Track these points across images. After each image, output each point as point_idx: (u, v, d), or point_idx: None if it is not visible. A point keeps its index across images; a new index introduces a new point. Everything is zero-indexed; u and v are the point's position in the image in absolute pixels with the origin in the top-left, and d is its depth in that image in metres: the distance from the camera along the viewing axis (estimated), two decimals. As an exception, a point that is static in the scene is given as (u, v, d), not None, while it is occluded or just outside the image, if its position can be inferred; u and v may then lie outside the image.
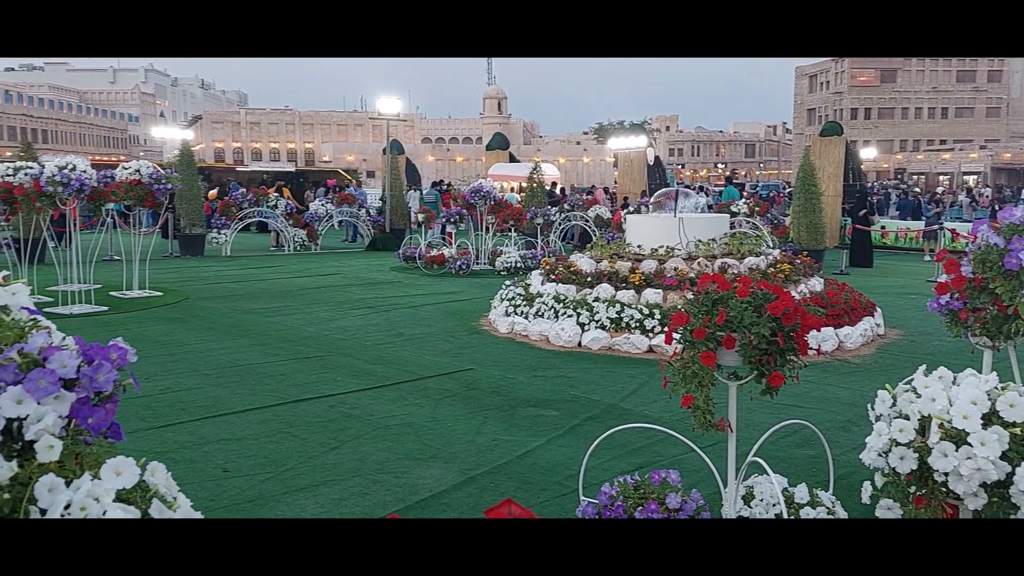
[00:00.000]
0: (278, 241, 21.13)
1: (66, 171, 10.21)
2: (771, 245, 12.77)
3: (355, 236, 23.17)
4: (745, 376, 3.28)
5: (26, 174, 10.22)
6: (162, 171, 12.30)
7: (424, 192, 27.54)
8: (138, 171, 11.79)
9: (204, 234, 19.41)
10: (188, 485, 4.66)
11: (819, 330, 8.07)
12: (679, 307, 3.40)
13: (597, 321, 8.65)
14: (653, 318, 8.44)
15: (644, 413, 6.20)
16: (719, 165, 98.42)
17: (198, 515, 1.62)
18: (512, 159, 33.32)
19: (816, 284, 9.94)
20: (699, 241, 9.64)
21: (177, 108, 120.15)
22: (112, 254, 16.77)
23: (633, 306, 8.71)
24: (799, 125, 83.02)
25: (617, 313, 8.62)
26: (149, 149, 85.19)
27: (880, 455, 2.51)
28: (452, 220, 16.76)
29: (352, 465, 5.07)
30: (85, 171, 10.53)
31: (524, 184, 22.39)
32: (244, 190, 23.50)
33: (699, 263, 9.20)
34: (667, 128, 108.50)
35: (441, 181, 33.73)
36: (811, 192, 16.83)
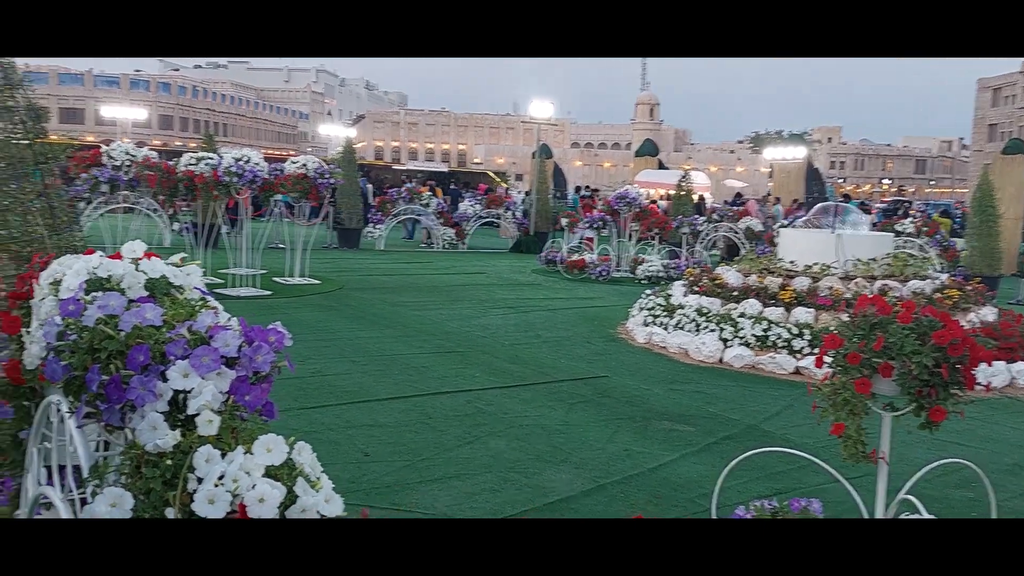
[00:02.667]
0: (428, 238, 21.80)
1: (241, 163, 10.97)
2: (939, 269, 11.92)
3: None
4: (902, 408, 3.08)
5: (207, 164, 11.06)
6: (326, 166, 12.98)
7: (569, 197, 27.64)
8: (304, 165, 12.49)
9: (361, 228, 20.31)
10: (331, 466, 4.86)
11: (990, 364, 7.45)
12: (832, 329, 3.23)
13: (741, 337, 8.36)
14: (802, 338, 8.08)
15: (786, 437, 5.94)
16: (884, 181, 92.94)
17: (338, 498, 1.68)
18: (661, 166, 32.81)
19: (988, 314, 9.18)
20: (858, 260, 9.13)
21: (343, 107, 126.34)
22: (278, 242, 17.88)
23: (781, 324, 8.36)
24: (978, 141, 76.94)
25: (763, 331, 8.31)
26: (316, 145, 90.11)
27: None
28: (594, 225, 16.69)
29: (485, 461, 5.15)
30: (258, 163, 11.27)
31: (671, 192, 21.99)
32: (399, 188, 24.37)
33: (857, 283, 8.72)
34: (829, 140, 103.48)
35: (586, 187, 33.69)
36: (988, 214, 15.57)
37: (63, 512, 1.69)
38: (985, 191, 15.85)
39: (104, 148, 12.70)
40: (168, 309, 1.76)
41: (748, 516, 3.62)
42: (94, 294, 1.70)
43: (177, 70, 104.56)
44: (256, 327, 1.78)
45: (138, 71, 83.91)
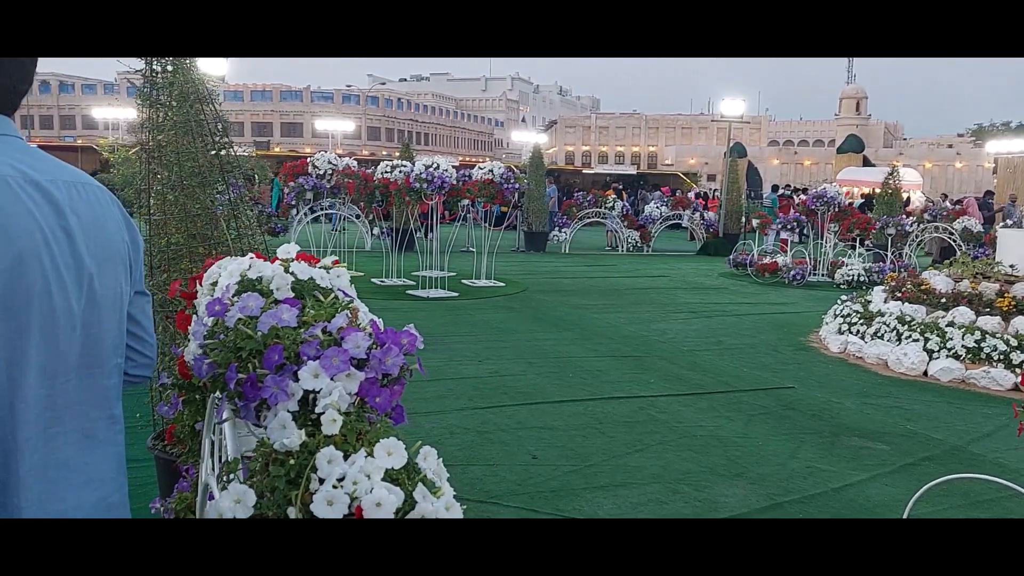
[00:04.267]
0: (613, 241, 21.71)
1: (431, 169, 11.45)
2: None
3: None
4: None
5: (400, 171, 11.65)
6: (513, 171, 13.27)
7: (764, 196, 26.46)
8: (491, 171, 12.83)
9: (547, 231, 20.58)
10: (500, 466, 4.97)
11: None
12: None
13: (950, 349, 7.60)
14: (1023, 351, 7.20)
15: (998, 461, 5.31)
16: None
17: (458, 505, 1.67)
18: (866, 163, 30.67)
19: None
20: (1094, 265, 8.02)
21: (537, 113, 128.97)
22: (468, 246, 18.52)
23: (998, 335, 7.51)
24: None
25: (976, 342, 7.50)
26: (511, 152, 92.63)
27: None
28: (789, 227, 15.85)
29: (654, 471, 5.01)
30: (447, 170, 11.72)
31: (877, 190, 20.47)
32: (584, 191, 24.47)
33: (1093, 291, 7.66)
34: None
35: (785, 186, 32.12)
36: None
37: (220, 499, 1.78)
38: None
39: (310, 159, 13.72)
40: (309, 310, 1.83)
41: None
42: (243, 296, 1.79)
43: (384, 83, 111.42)
44: (389, 329, 1.81)
45: (349, 86, 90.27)
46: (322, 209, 14.30)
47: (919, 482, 4.42)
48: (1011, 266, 8.49)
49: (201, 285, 2.03)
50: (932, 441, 5.75)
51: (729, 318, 10.81)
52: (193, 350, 1.81)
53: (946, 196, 29.66)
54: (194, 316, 1.91)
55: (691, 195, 26.61)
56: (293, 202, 13.20)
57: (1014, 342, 7.33)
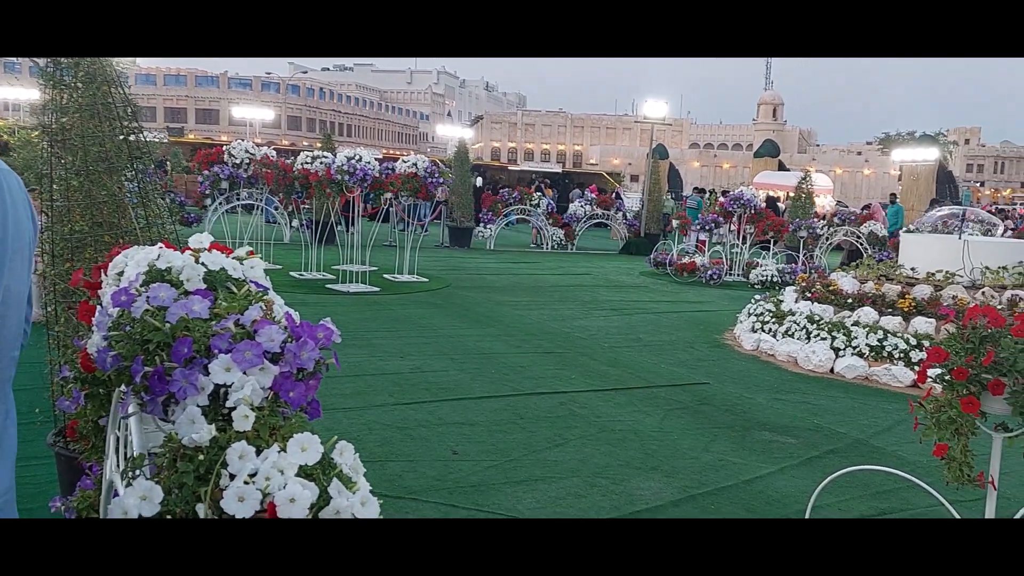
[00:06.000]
0: (538, 239, 21.85)
1: (353, 161, 11.29)
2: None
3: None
4: (1016, 429, 2.81)
5: (321, 163, 11.45)
6: (437, 166, 13.19)
7: (688, 197, 27.06)
8: (415, 165, 12.73)
9: (472, 227, 20.57)
10: (419, 462, 4.95)
11: None
12: (938, 341, 2.99)
13: (854, 347, 7.93)
14: (921, 350, 7.58)
15: (897, 454, 5.57)
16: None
17: (374, 500, 1.65)
18: (782, 167, 31.70)
19: None
20: (987, 268, 8.49)
21: (463, 108, 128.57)
22: (390, 240, 18.34)
23: (899, 334, 7.88)
24: None
25: (879, 340, 7.85)
26: (435, 145, 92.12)
27: None
28: (707, 228, 16.27)
29: (573, 465, 5.07)
30: (369, 162, 11.57)
31: (791, 194, 21.18)
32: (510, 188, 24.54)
33: (984, 293, 8.11)
34: (966, 141, 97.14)
35: (701, 189, 32.91)
36: None
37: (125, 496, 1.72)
38: None
39: (225, 147, 13.34)
40: (220, 302, 1.78)
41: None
42: (152, 285, 1.73)
43: (306, 72, 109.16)
44: (305, 323, 1.78)
45: (268, 73, 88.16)
46: (239, 200, 13.93)
47: (824, 474, 4.60)
48: (912, 268, 8.92)
49: (106, 274, 1.95)
50: (837, 435, 5.99)
51: (649, 316, 11.03)
52: (97, 342, 1.74)
53: (844, 205, 30.87)
54: (98, 307, 1.83)
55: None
56: (207, 191, 12.81)
57: (913, 341, 7.70)
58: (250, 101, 67.85)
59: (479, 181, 25.42)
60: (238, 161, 12.90)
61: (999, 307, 6.73)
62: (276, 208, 15.88)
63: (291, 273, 12.76)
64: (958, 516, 3.17)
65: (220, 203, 13.23)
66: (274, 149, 14.56)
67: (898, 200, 23.13)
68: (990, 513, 2.96)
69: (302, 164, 11.74)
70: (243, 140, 14.69)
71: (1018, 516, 3.09)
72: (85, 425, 2.31)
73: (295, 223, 16.31)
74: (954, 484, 2.88)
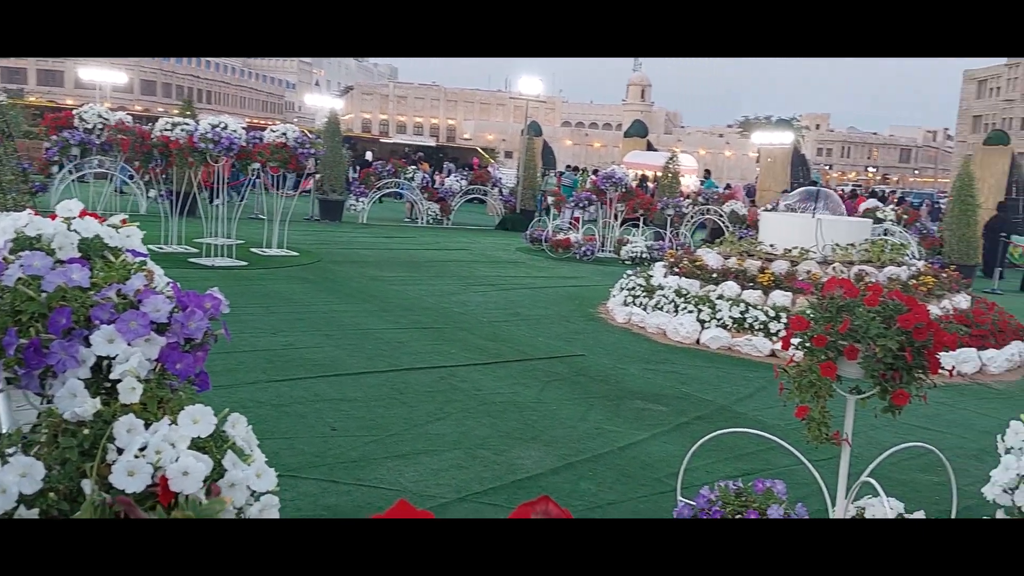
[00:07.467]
0: (412, 213, 21.66)
1: (218, 129, 10.79)
2: (917, 256, 11.96)
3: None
4: (867, 391, 3.06)
5: (182, 130, 10.88)
6: (307, 136, 12.80)
7: (562, 175, 27.51)
8: (284, 135, 12.31)
9: (343, 200, 20.13)
10: (297, 439, 4.85)
11: (954, 349, 7.48)
12: (800, 311, 3.20)
13: (718, 319, 8.36)
14: (779, 321, 8.08)
15: (758, 419, 5.94)
16: (870, 169, 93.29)
17: (271, 472, 1.61)
18: (650, 147, 32.74)
19: (962, 301, 9.22)
20: (837, 245, 9.13)
21: (332, 78, 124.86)
22: (257, 212, 17.69)
23: (759, 307, 8.36)
24: (962, 132, 77.21)
25: (741, 313, 8.30)
26: (303, 116, 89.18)
27: (1006, 491, 2.26)
28: (581, 205, 16.64)
29: (454, 437, 5.11)
30: (235, 131, 11.10)
31: (659, 174, 21.95)
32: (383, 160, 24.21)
33: (835, 268, 8.72)
34: (817, 127, 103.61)
35: (575, 167, 33.58)
36: (968, 204, 15.64)
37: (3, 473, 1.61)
38: (965, 181, 15.90)
39: (76, 111, 12.44)
40: (99, 271, 1.68)
41: (712, 496, 3.60)
42: (21, 254, 1.62)
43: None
44: (191, 292, 1.71)
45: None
46: (90, 168, 13.06)
47: (692, 439, 4.84)
48: (771, 245, 9.46)
49: (-35, 242, 1.80)
50: (703, 402, 6.32)
51: (526, 291, 11.19)
52: (-42, 313, 1.61)
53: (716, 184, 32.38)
54: (-42, 276, 1.69)
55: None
56: (55, 158, 11.91)
57: (772, 313, 8.20)
58: (100, 62, 63.35)
59: (369, 155, 24.93)
60: (90, 126, 12.07)
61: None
62: (131, 177, 14.98)
63: (150, 246, 12.07)
64: (816, 472, 3.42)
65: (69, 171, 12.34)
66: (128, 114, 13.72)
67: (711, 177, 26.56)
68: (844, 468, 3.21)
69: (161, 131, 11.11)
70: (94, 104, 13.73)
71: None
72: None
73: (152, 193, 15.46)
74: (813, 443, 3.11)
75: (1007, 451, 2.33)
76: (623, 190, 16.37)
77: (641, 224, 16.86)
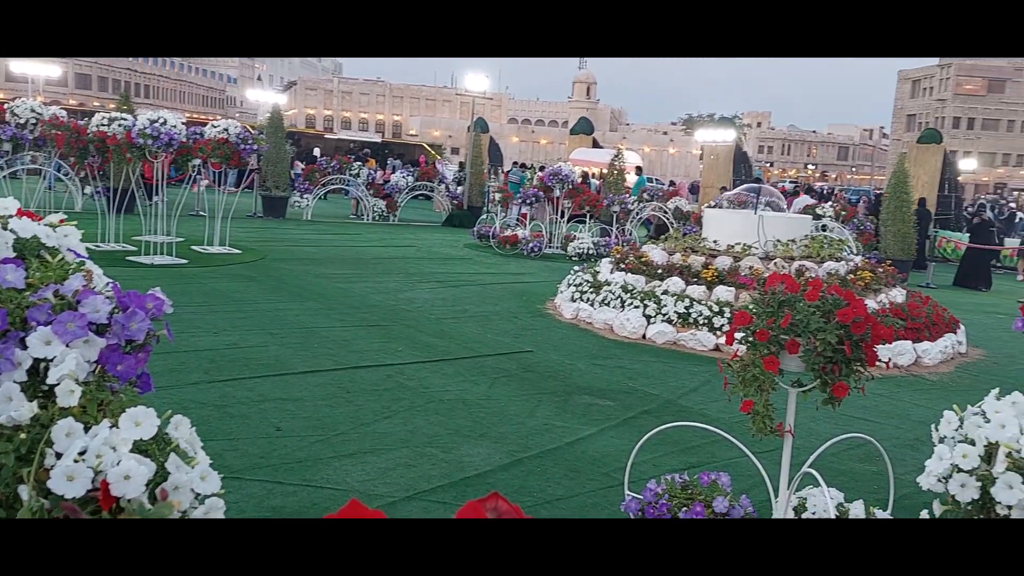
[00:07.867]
0: (357, 210, 21.45)
1: (157, 124, 10.53)
2: (854, 251, 12.30)
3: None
4: (808, 384, 3.14)
5: (120, 125, 10.58)
6: (250, 132, 12.57)
7: (509, 172, 27.52)
8: (226, 130, 12.07)
9: (287, 197, 19.84)
10: (241, 440, 4.77)
11: (891, 342, 7.72)
12: (743, 306, 3.27)
13: (664, 314, 8.48)
14: (723, 316, 8.23)
15: (703, 412, 6.04)
16: (810, 166, 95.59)
17: (215, 475, 1.59)
18: (596, 145, 32.99)
19: (898, 295, 9.53)
20: (778, 241, 9.33)
21: (274, 73, 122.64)
22: (198, 210, 17.32)
23: (703, 302, 8.50)
24: (897, 130, 79.65)
25: (686, 308, 8.43)
26: (245, 111, 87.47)
27: (940, 480, 2.35)
28: (528, 202, 16.69)
29: (402, 436, 5.09)
30: (175, 126, 10.84)
31: (605, 171, 22.14)
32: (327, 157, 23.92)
33: (776, 263, 8.92)
34: (758, 124, 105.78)
35: (524, 164, 33.63)
36: (902, 200, 16.14)
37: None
38: (900, 178, 16.41)
39: (8, 105, 12.01)
40: (35, 271, 1.64)
41: (659, 489, 3.66)
42: (-49, 254, 1.56)
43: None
44: (132, 292, 1.67)
45: (54, 27, 79.77)
46: (22, 164, 12.62)
47: (640, 433, 4.91)
48: (715, 241, 9.63)
49: None
50: (650, 396, 6.40)
51: (474, 287, 11.18)
52: None
53: (662, 182, 32.83)
54: None
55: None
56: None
57: (716, 308, 8.34)
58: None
59: (317, 151, 24.58)
60: (23, 121, 11.66)
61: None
62: (67, 174, 14.53)
63: (87, 244, 11.70)
64: (759, 464, 3.50)
65: (0, 167, 11.91)
66: (63, 109, 13.28)
67: (643, 173, 27.50)
68: (786, 459, 3.29)
69: (98, 126, 10.79)
70: (27, 98, 13.26)
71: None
72: None
73: (87, 190, 15.02)
74: (758, 435, 3.17)
75: (940, 440, 2.42)
76: (570, 187, 16.47)
77: (588, 220, 16.98)
